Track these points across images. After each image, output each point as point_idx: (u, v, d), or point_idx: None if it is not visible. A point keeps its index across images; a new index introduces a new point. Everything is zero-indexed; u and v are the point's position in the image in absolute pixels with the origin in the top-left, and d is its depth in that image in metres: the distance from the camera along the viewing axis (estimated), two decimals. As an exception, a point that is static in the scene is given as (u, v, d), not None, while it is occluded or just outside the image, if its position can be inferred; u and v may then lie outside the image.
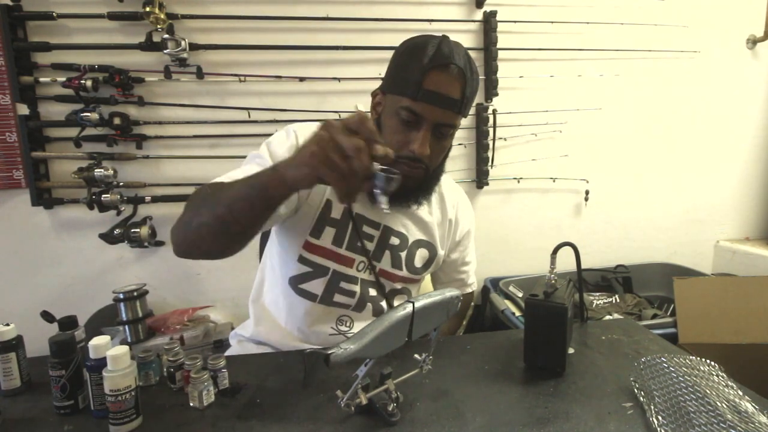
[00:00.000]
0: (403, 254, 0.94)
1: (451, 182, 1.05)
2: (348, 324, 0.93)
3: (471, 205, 1.09)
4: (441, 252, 1.00)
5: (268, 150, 0.84)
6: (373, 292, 0.94)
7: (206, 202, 0.72)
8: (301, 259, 0.89)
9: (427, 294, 0.64)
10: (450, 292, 0.66)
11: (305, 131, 0.87)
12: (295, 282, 0.91)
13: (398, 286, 0.96)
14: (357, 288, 0.92)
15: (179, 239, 0.75)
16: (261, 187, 0.65)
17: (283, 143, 0.85)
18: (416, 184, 0.86)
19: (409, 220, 0.95)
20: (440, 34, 0.82)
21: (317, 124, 0.82)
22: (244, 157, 0.88)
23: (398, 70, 0.82)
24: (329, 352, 0.55)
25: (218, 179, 0.78)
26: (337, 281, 0.90)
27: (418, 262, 0.96)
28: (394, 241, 0.93)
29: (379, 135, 0.59)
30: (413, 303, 0.61)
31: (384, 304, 0.94)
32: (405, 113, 0.79)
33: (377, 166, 0.59)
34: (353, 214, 0.88)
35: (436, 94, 0.78)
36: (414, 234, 0.96)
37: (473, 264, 1.12)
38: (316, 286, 0.90)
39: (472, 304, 1.10)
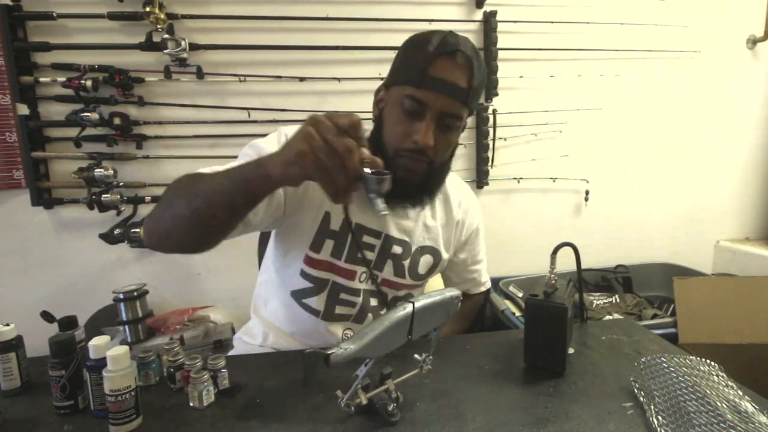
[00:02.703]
0: (406, 263, 0.92)
1: (456, 180, 1.01)
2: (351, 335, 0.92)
3: (478, 202, 1.05)
4: (446, 256, 0.97)
5: (254, 153, 0.80)
6: (374, 302, 0.92)
7: (183, 192, 0.68)
8: (303, 274, 0.87)
9: (428, 294, 0.64)
10: (450, 292, 0.65)
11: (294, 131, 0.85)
12: (298, 296, 0.89)
13: (402, 293, 0.94)
14: (358, 299, 0.90)
15: (151, 229, 0.71)
16: (243, 180, 0.62)
17: (273, 144, 0.81)
18: (420, 179, 0.81)
19: (412, 226, 0.92)
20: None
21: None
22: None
23: (402, 62, 0.80)
24: (329, 352, 0.55)
25: (199, 170, 0.74)
26: (336, 294, 0.89)
27: (422, 269, 0.94)
28: (396, 249, 0.90)
29: (362, 133, 0.57)
30: (413, 303, 0.61)
31: (384, 312, 0.92)
32: (408, 102, 0.76)
33: (367, 169, 0.58)
34: (352, 225, 0.86)
35: (442, 80, 0.74)
36: (417, 241, 0.92)
37: (484, 262, 1.08)
38: (317, 302, 0.88)
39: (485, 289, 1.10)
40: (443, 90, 0.75)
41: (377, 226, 0.89)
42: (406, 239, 0.91)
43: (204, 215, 0.64)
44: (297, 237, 0.86)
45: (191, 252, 0.74)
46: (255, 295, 0.99)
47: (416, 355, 0.69)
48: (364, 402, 0.61)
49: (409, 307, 0.60)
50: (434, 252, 0.95)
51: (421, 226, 0.93)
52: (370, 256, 0.89)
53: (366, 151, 0.57)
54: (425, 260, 0.94)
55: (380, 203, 0.59)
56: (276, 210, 0.81)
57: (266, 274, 0.96)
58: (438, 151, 0.79)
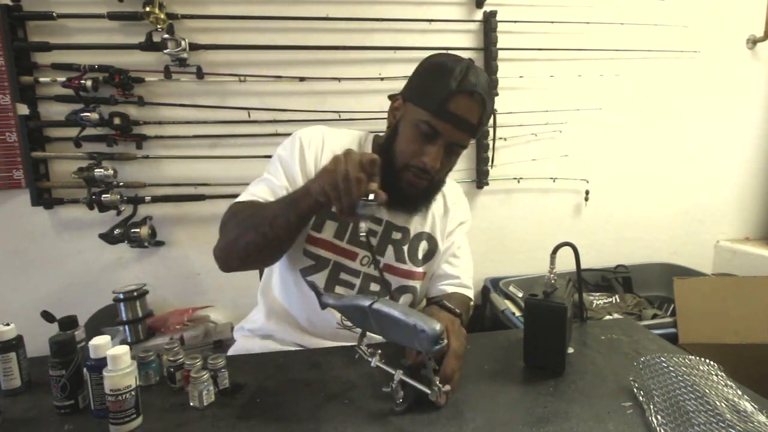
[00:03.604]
0: (405, 247, 0.96)
1: (451, 181, 1.06)
2: (349, 324, 0.93)
3: (468, 203, 1.10)
4: (441, 245, 1.01)
5: (280, 164, 0.93)
6: (375, 287, 0.94)
7: (248, 223, 0.81)
8: (306, 252, 0.92)
9: (395, 304, 0.65)
10: (418, 321, 0.59)
11: (309, 134, 0.95)
12: (304, 273, 0.93)
13: (405, 282, 0.97)
14: (357, 281, 0.93)
15: (227, 257, 0.85)
16: (294, 202, 0.76)
17: (292, 151, 0.92)
18: (418, 193, 0.89)
19: (413, 215, 0.97)
20: (467, 58, 0.86)
21: (320, 127, 0.98)
22: (245, 157, 0.90)
23: (424, 84, 0.85)
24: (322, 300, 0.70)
25: (243, 198, 0.88)
26: (337, 273, 0.92)
27: (420, 253, 0.98)
28: (396, 235, 0.96)
29: (375, 169, 0.69)
30: (374, 301, 0.64)
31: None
32: (425, 127, 0.83)
33: (371, 196, 0.68)
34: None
35: (458, 117, 0.81)
36: (416, 227, 0.98)
37: (465, 261, 1.05)
38: (319, 279, 0.92)
39: (471, 303, 1.06)
40: (458, 125, 0.82)
41: (379, 213, 0.94)
42: (406, 225, 0.97)
43: (270, 238, 0.79)
44: None
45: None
46: (264, 276, 1.03)
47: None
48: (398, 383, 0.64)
49: (368, 302, 0.65)
50: (430, 238, 1.00)
51: (420, 214, 0.98)
52: (373, 241, 0.94)
53: (374, 185, 0.69)
54: (423, 246, 0.99)
55: (363, 226, 0.70)
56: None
57: None
58: (441, 172, 0.88)
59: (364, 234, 0.70)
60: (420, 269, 0.98)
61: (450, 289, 1.00)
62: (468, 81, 0.81)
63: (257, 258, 0.85)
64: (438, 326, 0.59)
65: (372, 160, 0.69)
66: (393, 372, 0.65)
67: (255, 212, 0.82)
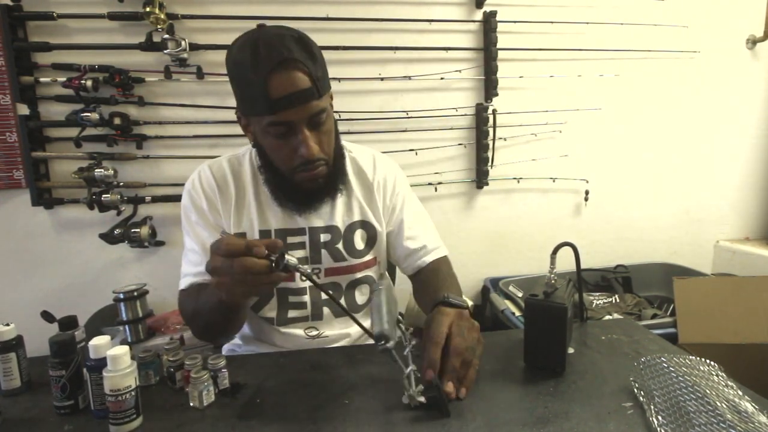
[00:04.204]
0: (340, 244, 0.93)
1: (361, 149, 1.01)
2: (315, 333, 0.93)
3: (389, 163, 1.01)
4: (378, 226, 0.96)
5: (187, 221, 0.92)
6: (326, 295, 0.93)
7: (195, 321, 0.85)
8: None
9: (379, 296, 0.70)
10: (375, 317, 0.67)
11: (190, 191, 0.92)
12: (255, 310, 0.93)
13: (353, 276, 0.94)
14: (306, 298, 0.92)
15: (198, 335, 0.88)
16: (215, 305, 0.74)
17: (192, 205, 0.91)
18: (323, 181, 0.84)
19: (332, 210, 0.93)
20: (254, 29, 0.78)
21: (196, 173, 0.93)
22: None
23: (239, 92, 0.79)
24: (382, 347, 0.63)
25: (182, 284, 0.90)
26: (284, 298, 0.91)
27: (359, 244, 0.94)
28: (325, 237, 0.92)
29: (250, 242, 0.61)
30: (375, 290, 0.69)
31: (343, 301, 0.93)
32: (273, 129, 0.77)
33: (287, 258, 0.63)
34: (272, 234, 0.90)
35: (288, 97, 0.74)
36: (343, 220, 0.93)
37: (422, 228, 0.99)
38: (268, 311, 0.92)
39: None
40: (294, 104, 0.74)
41: (296, 224, 0.91)
42: (332, 224, 0.93)
43: (216, 324, 0.82)
44: None
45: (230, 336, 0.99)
46: None
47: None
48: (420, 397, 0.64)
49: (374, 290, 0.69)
50: (365, 224, 0.95)
51: (342, 206, 0.94)
52: (302, 253, 0.91)
53: (262, 248, 0.61)
54: (359, 235, 0.94)
55: (304, 268, 0.65)
56: None
57: None
58: (324, 147, 0.81)
59: (308, 270, 0.69)
60: (366, 258, 0.95)
61: (428, 259, 0.96)
62: (262, 59, 0.72)
63: (218, 336, 0.92)
64: (378, 329, 0.63)
65: (227, 243, 0.61)
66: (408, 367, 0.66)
67: (195, 311, 0.82)
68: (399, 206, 0.98)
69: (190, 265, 0.89)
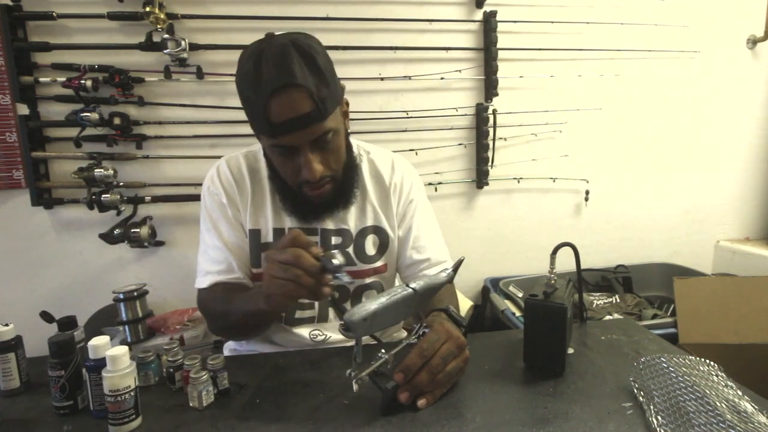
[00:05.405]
0: (351, 248, 0.92)
1: (380, 152, 0.99)
2: (321, 339, 0.92)
3: (409, 170, 0.99)
4: (392, 233, 0.95)
5: (208, 217, 0.91)
6: (335, 295, 0.92)
7: (221, 323, 0.88)
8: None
9: (427, 276, 0.71)
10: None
11: (209, 186, 0.93)
12: None
13: (362, 282, 0.94)
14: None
15: (216, 332, 0.95)
16: (252, 314, 0.77)
17: (212, 201, 0.91)
18: (334, 194, 0.85)
19: (345, 213, 0.92)
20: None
21: (215, 167, 0.95)
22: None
23: (247, 112, 0.79)
24: (344, 319, 0.59)
25: (201, 283, 0.89)
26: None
27: (369, 250, 0.94)
28: (336, 240, 0.92)
29: (306, 240, 0.65)
30: (415, 286, 0.66)
31: (349, 305, 0.93)
32: (277, 149, 0.78)
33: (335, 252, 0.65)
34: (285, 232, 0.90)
35: (287, 122, 0.72)
36: (356, 225, 0.93)
37: (430, 238, 0.98)
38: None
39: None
40: (295, 128, 0.73)
41: (310, 224, 0.90)
42: (344, 227, 0.92)
43: (245, 328, 0.86)
44: (244, 258, 0.91)
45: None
46: None
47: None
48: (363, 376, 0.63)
49: (409, 290, 0.66)
50: (377, 230, 0.94)
51: (356, 210, 0.93)
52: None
53: (315, 249, 0.64)
54: (371, 240, 0.94)
55: (344, 278, 0.65)
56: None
57: None
58: (331, 164, 0.81)
59: (352, 281, 0.71)
60: (376, 264, 0.94)
61: (430, 273, 0.93)
62: (264, 80, 0.70)
63: (246, 338, 0.94)
64: (348, 317, 0.59)
65: (290, 238, 0.64)
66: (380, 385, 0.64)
67: (224, 313, 0.83)
68: (411, 213, 0.97)
69: (212, 263, 0.89)
